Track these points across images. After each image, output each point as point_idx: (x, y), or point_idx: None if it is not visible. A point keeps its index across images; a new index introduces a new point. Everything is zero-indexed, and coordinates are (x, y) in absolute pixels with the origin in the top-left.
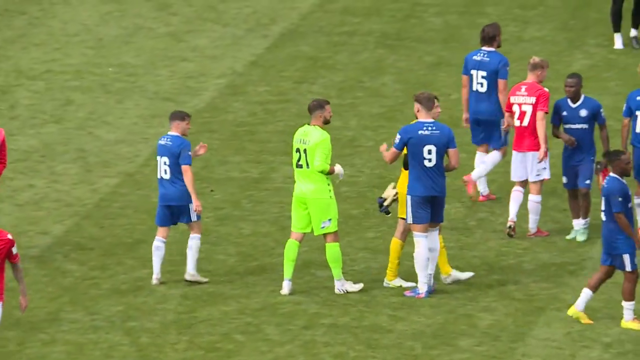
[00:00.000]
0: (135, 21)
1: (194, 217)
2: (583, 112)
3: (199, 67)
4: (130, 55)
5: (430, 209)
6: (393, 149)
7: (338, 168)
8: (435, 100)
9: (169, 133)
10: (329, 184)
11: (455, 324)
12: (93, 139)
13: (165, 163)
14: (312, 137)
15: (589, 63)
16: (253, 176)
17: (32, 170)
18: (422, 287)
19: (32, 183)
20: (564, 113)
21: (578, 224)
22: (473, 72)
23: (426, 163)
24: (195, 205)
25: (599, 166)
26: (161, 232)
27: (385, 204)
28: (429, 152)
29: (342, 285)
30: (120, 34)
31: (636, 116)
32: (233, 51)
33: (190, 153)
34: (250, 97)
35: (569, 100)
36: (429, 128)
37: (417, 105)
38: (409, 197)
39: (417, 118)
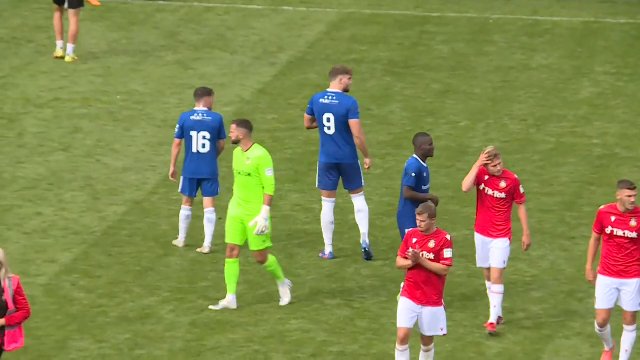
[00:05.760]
0: (142, 49)
1: None
2: None
3: None
4: (138, 83)
5: (338, 176)
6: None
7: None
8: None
9: None
10: None
11: (464, 351)
12: (101, 166)
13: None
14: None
15: (596, 91)
16: None
17: (40, 199)
18: (327, 249)
19: (40, 211)
20: (425, 174)
21: None
22: None
23: (326, 130)
24: None
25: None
26: None
27: None
28: (328, 120)
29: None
30: (128, 61)
31: None
32: (241, 79)
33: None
34: (258, 125)
35: (422, 162)
36: (330, 97)
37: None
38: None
39: None
